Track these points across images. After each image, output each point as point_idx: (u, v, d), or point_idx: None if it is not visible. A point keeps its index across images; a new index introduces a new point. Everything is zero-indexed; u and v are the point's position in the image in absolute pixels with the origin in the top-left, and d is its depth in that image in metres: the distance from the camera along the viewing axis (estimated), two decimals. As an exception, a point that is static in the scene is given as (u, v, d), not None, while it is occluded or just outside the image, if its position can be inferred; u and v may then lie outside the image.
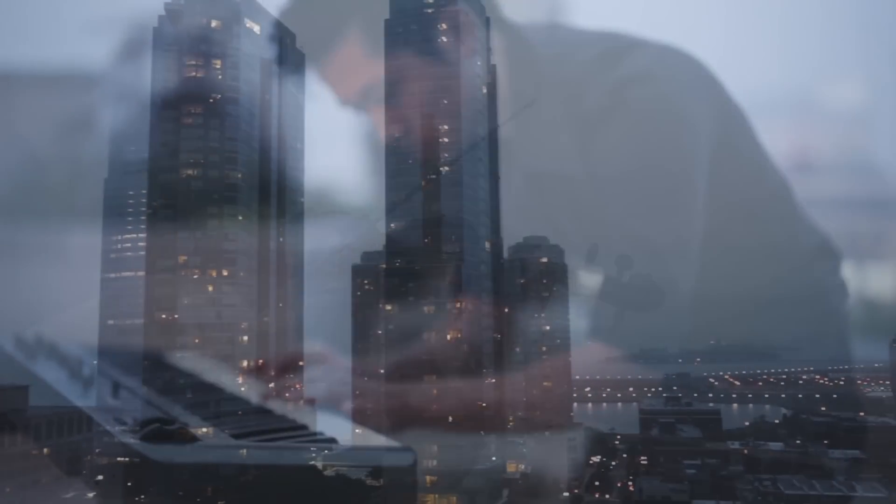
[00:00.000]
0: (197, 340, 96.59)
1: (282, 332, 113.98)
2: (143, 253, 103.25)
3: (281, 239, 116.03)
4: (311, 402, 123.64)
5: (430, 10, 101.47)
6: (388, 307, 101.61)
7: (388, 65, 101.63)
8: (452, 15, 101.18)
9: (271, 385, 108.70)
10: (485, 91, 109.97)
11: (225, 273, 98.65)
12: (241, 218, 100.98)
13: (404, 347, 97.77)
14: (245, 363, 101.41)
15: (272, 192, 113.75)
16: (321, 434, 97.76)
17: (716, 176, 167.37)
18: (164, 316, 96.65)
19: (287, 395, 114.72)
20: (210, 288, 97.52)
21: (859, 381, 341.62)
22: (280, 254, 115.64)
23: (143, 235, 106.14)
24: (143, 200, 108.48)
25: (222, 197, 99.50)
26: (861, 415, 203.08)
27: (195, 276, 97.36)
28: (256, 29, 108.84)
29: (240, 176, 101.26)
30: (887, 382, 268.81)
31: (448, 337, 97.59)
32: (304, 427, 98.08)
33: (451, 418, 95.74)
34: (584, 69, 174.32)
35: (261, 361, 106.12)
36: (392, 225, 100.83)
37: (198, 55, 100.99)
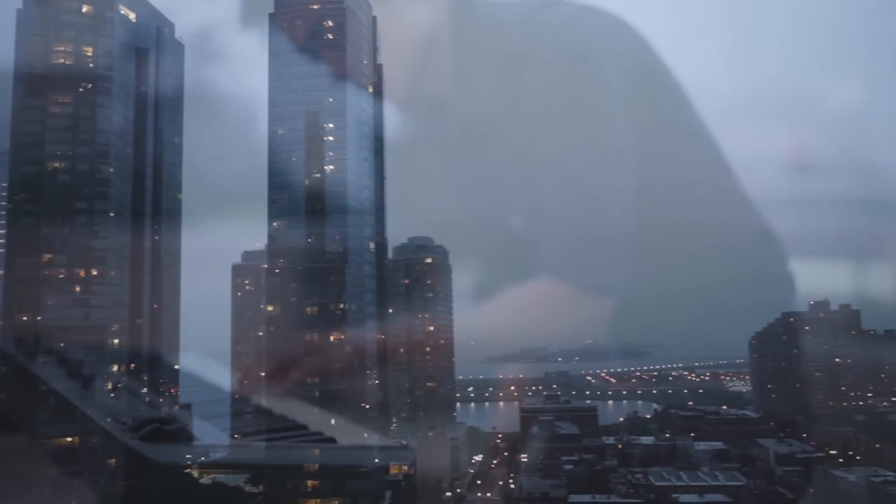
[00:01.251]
0: (62, 344, 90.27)
1: (157, 335, 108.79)
2: (2, 250, 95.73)
3: (156, 237, 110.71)
4: (186, 407, 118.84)
5: (315, 7, 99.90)
6: (270, 308, 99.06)
7: (271, 60, 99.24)
8: (338, 12, 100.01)
9: (143, 391, 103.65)
10: (371, 90, 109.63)
11: (94, 272, 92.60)
12: (112, 214, 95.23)
13: (286, 349, 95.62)
14: (115, 367, 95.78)
15: (147, 188, 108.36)
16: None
17: (641, 149, 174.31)
18: (25, 318, 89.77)
19: (161, 400, 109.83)
20: (77, 288, 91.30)
21: (723, 377, 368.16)
22: (155, 252, 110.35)
23: (2, 231, 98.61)
24: (3, 194, 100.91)
25: (92, 192, 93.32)
26: (724, 408, 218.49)
27: (61, 276, 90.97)
28: (132, 16, 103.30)
29: (112, 170, 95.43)
30: (747, 377, 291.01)
31: (331, 338, 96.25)
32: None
33: (333, 421, 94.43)
34: (512, 18, 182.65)
35: (133, 366, 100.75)
36: (274, 224, 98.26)
37: (67, 41, 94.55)
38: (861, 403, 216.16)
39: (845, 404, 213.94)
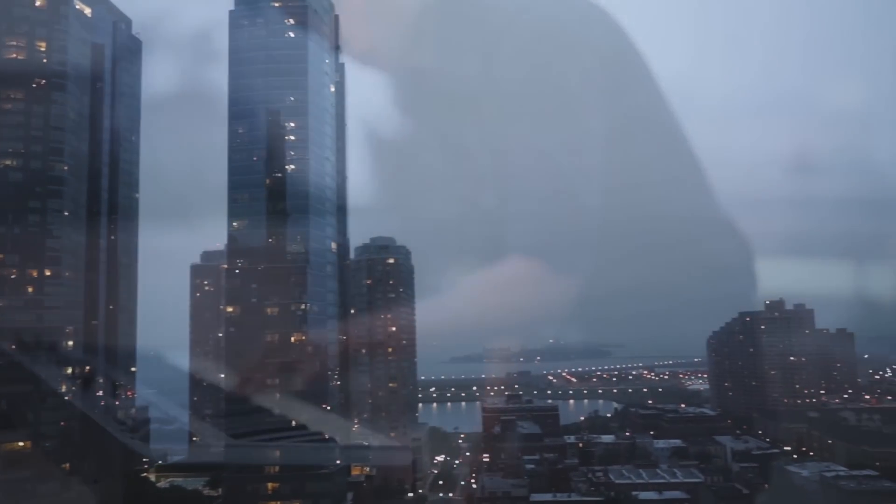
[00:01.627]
0: (13, 346, 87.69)
1: (113, 337, 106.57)
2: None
3: (112, 237, 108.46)
4: (143, 409, 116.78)
5: (277, 4, 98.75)
6: (230, 309, 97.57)
7: (232, 58, 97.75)
8: (300, 10, 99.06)
9: (99, 393, 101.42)
10: (333, 89, 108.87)
11: (48, 273, 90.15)
12: (66, 213, 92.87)
13: (246, 351, 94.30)
14: (70, 370, 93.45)
15: (103, 187, 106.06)
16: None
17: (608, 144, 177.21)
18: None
19: (117, 403, 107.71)
20: (30, 289, 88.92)
21: (681, 375, 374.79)
22: (111, 252, 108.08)
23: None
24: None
25: (46, 190, 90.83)
26: (682, 406, 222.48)
27: (13, 276, 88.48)
28: (87, 11, 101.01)
29: (66, 168, 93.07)
30: (705, 376, 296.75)
31: (292, 339, 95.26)
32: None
33: (294, 422, 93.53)
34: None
35: (88, 369, 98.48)
36: (234, 224, 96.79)
37: (19, 35, 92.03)
38: (814, 400, 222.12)
39: (799, 401, 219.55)
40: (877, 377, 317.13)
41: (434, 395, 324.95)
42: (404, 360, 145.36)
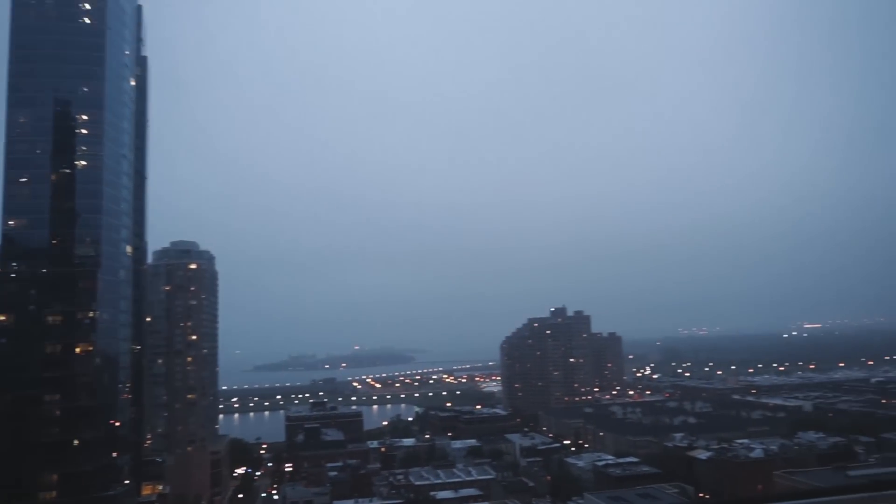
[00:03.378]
0: None
1: None
2: None
3: None
4: None
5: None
6: (2, 318, 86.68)
7: (15, 38, 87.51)
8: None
9: None
10: (134, 83, 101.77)
11: None
12: None
13: (20, 364, 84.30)
14: None
15: None
16: None
17: None
18: None
19: None
20: None
21: (478, 378, 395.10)
22: None
23: None
24: None
25: None
26: (478, 407, 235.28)
27: None
28: None
29: None
30: (499, 378, 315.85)
31: (77, 350, 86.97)
32: None
33: (76, 441, 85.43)
34: None
35: None
36: (10, 222, 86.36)
37: None
38: (590, 397, 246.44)
39: (577, 399, 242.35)
40: (639, 375, 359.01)
41: (236, 406, 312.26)
42: (205, 369, 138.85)
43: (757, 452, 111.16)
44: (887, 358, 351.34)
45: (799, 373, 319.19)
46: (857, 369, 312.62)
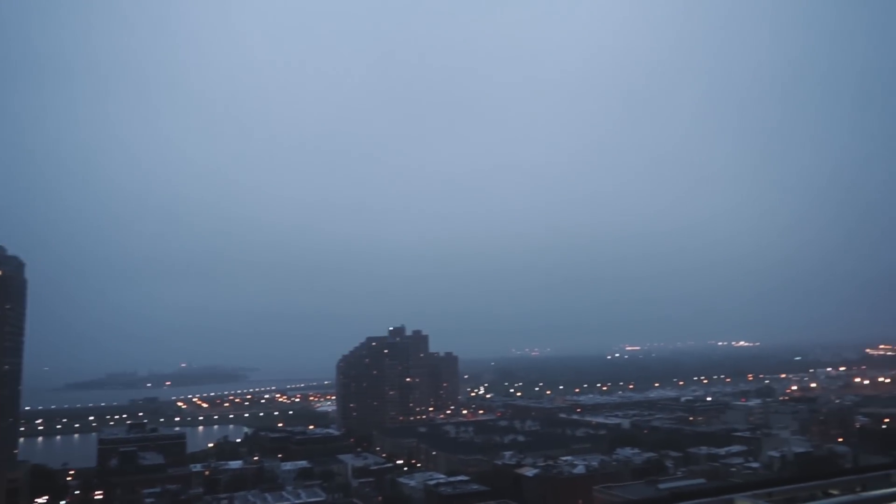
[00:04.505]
0: None
1: None
2: None
3: None
4: None
5: None
6: None
7: None
8: None
9: None
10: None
11: None
12: None
13: None
14: None
15: None
16: None
17: None
18: None
19: None
20: None
21: (312, 398, 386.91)
22: None
23: None
24: None
25: None
26: (311, 428, 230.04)
27: None
28: None
29: None
30: (334, 397, 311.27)
31: None
32: None
33: None
34: None
35: None
36: None
37: None
38: (424, 416, 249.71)
39: (412, 418, 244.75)
40: (473, 394, 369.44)
41: (41, 428, 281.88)
42: (3, 388, 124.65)
43: (579, 468, 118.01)
44: (695, 378, 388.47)
45: (620, 392, 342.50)
46: (670, 389, 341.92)
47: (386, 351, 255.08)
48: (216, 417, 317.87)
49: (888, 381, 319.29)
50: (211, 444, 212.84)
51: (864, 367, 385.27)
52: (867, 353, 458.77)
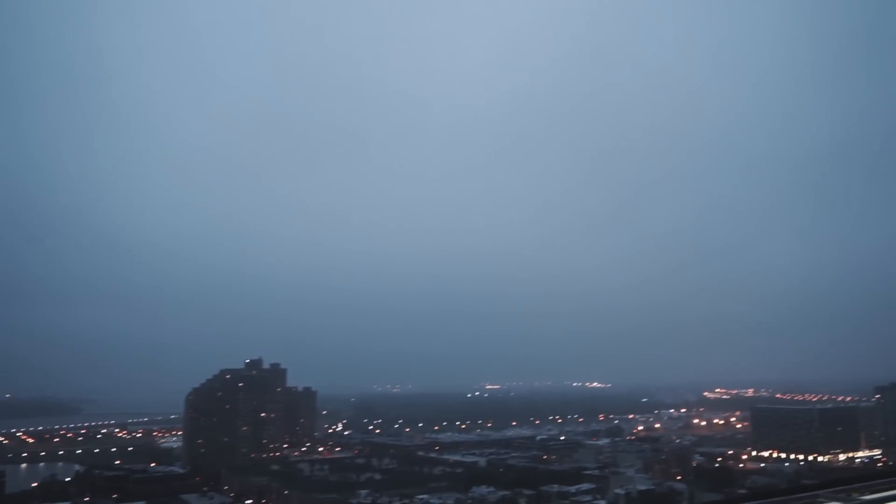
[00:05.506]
0: None
1: None
2: None
3: None
4: None
5: None
6: None
7: None
8: None
9: None
10: None
11: None
12: None
13: None
14: None
15: None
16: None
17: None
18: None
19: None
20: None
21: (156, 433, 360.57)
22: None
23: None
24: None
25: None
26: (153, 465, 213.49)
27: None
28: None
29: None
30: (180, 433, 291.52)
31: None
32: None
33: None
34: None
35: None
36: None
37: None
38: (278, 454, 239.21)
39: (265, 455, 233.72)
40: (331, 431, 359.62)
41: None
42: None
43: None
44: (551, 417, 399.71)
45: (478, 430, 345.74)
46: (527, 427, 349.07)
47: (241, 384, 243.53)
48: (43, 454, 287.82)
49: (722, 422, 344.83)
50: (35, 484, 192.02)
51: (702, 408, 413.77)
52: (705, 395, 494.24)
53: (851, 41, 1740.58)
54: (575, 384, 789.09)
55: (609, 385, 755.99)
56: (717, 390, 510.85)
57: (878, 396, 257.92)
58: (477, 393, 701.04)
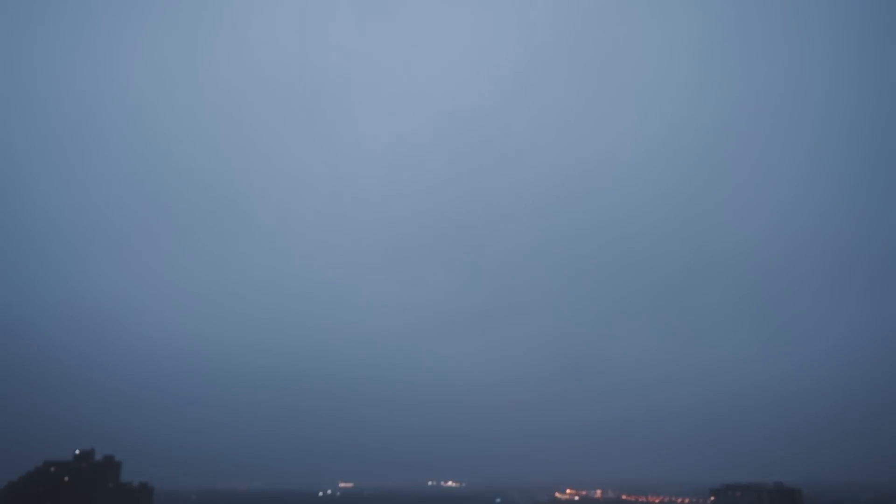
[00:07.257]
0: None
1: None
2: None
3: None
4: None
5: None
6: None
7: None
8: None
9: None
10: None
11: None
12: None
13: None
14: None
15: None
16: None
17: None
18: None
19: None
20: None
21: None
22: None
23: None
24: None
25: None
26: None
27: None
28: None
29: None
30: None
31: None
32: None
33: None
34: None
35: None
36: None
37: None
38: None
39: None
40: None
41: None
42: None
43: None
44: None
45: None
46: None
47: (66, 478, 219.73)
48: None
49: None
50: None
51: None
52: (556, 496, 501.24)
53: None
54: (430, 483, 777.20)
55: (463, 484, 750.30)
56: (568, 491, 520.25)
57: (712, 499, 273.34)
58: (329, 491, 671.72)
